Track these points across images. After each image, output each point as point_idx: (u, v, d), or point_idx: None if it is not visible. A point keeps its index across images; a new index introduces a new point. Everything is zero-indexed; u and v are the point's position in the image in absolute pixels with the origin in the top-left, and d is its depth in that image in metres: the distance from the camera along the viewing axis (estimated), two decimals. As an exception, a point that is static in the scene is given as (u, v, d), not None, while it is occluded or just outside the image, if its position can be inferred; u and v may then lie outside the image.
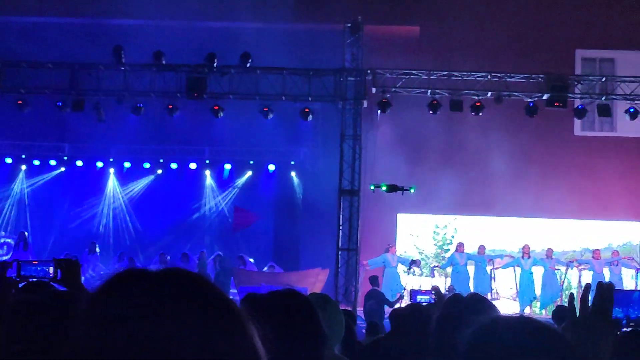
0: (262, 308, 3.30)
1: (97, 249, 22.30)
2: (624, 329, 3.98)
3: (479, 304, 3.89)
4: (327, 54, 21.38)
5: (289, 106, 20.85)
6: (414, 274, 20.67)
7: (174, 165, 24.44)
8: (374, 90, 20.14)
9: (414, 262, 20.61)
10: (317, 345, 3.99)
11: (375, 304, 17.03)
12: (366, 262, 20.76)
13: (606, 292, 2.31)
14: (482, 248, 21.05)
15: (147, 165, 24.49)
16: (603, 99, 20.19)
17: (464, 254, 20.98)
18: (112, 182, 24.82)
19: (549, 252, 21.05)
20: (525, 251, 20.82)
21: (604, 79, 20.46)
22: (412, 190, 20.12)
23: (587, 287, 2.39)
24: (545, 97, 19.74)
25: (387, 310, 16.61)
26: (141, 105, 20.41)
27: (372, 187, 20.06)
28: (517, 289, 21.00)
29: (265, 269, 22.14)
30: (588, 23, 23.42)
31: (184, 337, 1.32)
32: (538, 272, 20.87)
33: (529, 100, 19.91)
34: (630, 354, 3.99)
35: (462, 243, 21.06)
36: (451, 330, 3.53)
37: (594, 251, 20.83)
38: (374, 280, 18.54)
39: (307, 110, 20.33)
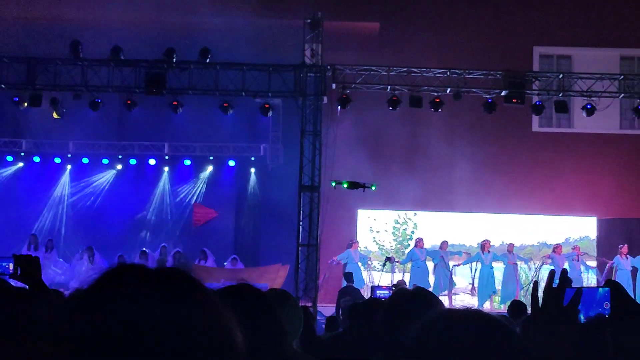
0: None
1: (47, 246, 22.09)
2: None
3: (423, 298, 3.91)
4: (287, 49, 21.35)
5: (249, 102, 20.81)
6: (386, 272, 20.74)
7: (132, 161, 24.25)
8: (334, 86, 20.16)
9: (388, 259, 20.71)
10: (276, 340, 4.00)
11: (351, 301, 17.05)
12: (336, 258, 20.85)
13: (562, 283, 2.32)
14: (444, 243, 21.19)
15: (105, 161, 24.27)
16: (560, 95, 20.39)
17: (424, 249, 21.11)
18: (65, 178, 24.55)
19: (510, 247, 21.26)
20: (486, 246, 21.00)
21: (561, 76, 20.66)
22: (373, 188, 20.18)
23: (551, 274, 2.40)
24: (503, 93, 19.88)
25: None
26: (99, 100, 20.24)
27: (333, 184, 20.09)
28: (475, 283, 21.16)
29: (226, 263, 22.11)
30: (546, 20, 23.66)
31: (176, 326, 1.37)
32: (499, 267, 21.06)
33: (488, 96, 20.04)
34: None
35: (422, 238, 21.20)
36: (396, 324, 3.55)
37: (555, 246, 21.04)
38: (348, 276, 18.63)
39: (267, 106, 20.31)
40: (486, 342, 1.94)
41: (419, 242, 21.15)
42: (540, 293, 2.32)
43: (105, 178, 24.58)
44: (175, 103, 19.95)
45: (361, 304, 6.54)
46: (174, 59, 19.64)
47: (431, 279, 20.73)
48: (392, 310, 4.12)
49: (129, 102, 20.11)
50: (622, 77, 20.68)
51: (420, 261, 20.91)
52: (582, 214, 22.43)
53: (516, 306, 10.39)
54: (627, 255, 20.27)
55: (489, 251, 21.01)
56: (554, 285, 2.32)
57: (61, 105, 20.70)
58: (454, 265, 21.16)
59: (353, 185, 20.18)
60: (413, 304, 3.91)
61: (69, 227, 24.12)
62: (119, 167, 24.44)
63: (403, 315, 3.66)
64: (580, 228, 22.34)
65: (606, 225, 22.31)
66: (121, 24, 21.38)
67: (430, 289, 20.18)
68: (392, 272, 21.10)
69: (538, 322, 2.29)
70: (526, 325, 9.17)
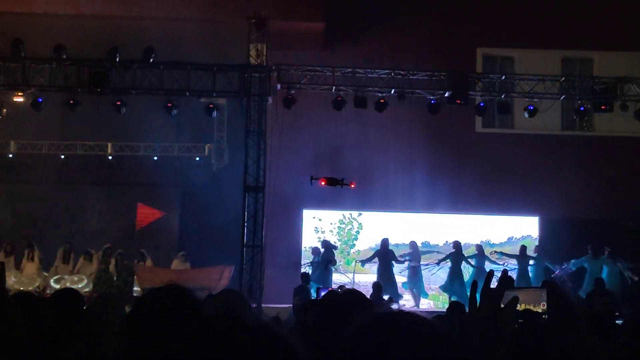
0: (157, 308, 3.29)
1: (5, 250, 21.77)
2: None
3: (353, 301, 3.93)
4: (232, 49, 21.29)
5: (194, 102, 20.70)
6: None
7: (75, 162, 23.97)
8: (279, 86, 20.14)
9: (329, 262, 20.78)
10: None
11: (301, 300, 17.13)
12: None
13: (501, 284, 2.34)
14: (413, 244, 21.33)
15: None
16: (503, 96, 20.61)
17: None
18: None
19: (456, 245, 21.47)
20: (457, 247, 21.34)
21: (503, 77, 20.89)
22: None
23: (489, 275, 2.42)
24: (447, 94, 20.04)
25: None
26: (41, 100, 19.95)
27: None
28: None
29: (176, 261, 21.95)
30: (489, 21, 23.91)
31: None
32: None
33: (432, 97, 20.18)
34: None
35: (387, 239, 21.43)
36: (325, 326, 3.57)
37: (520, 247, 21.34)
38: (304, 276, 18.70)
39: (211, 106, 20.20)
40: (416, 343, 1.95)
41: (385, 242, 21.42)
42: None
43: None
44: (119, 103, 19.74)
45: (301, 304, 6.55)
46: (118, 58, 19.46)
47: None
48: (322, 312, 4.14)
49: (71, 101, 19.84)
50: (563, 78, 20.99)
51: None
52: (524, 214, 22.70)
53: (455, 306, 10.47)
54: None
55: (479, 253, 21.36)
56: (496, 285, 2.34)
57: (2, 105, 20.36)
58: (427, 264, 21.43)
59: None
60: (342, 306, 3.93)
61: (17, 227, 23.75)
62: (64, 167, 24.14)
63: (333, 317, 3.68)
64: (523, 228, 22.61)
65: (548, 225, 22.62)
66: (64, 22, 21.12)
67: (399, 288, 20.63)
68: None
69: (475, 322, 2.30)
70: (463, 325, 9.27)
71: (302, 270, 20.41)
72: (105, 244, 21.46)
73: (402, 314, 2.08)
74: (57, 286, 19.94)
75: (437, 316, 7.96)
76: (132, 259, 21.14)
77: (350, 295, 4.13)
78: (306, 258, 22.25)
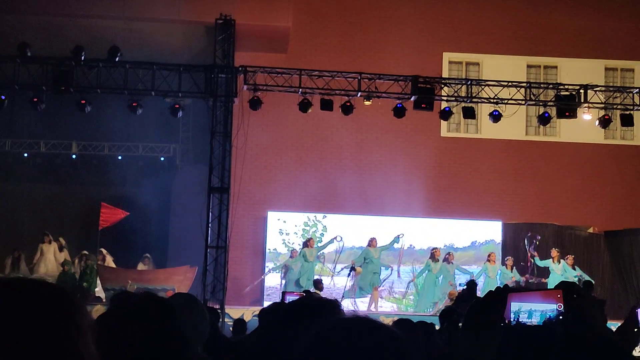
0: (126, 311, 3.28)
1: None
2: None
3: (320, 306, 3.94)
4: (198, 50, 21.24)
5: (159, 102, 20.60)
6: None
7: (39, 160, 23.79)
8: (245, 87, 20.10)
9: (353, 268, 20.89)
10: (177, 349, 3.97)
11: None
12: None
13: (470, 292, 2.36)
14: (373, 240, 21.45)
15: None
16: (468, 101, 20.72)
17: (378, 248, 21.49)
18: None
19: (436, 252, 21.62)
20: (435, 254, 21.41)
21: (469, 83, 21.00)
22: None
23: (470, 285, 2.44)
24: (412, 99, 20.10)
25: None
26: (4, 97, 19.72)
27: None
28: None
29: (141, 263, 21.89)
30: (455, 27, 24.04)
31: None
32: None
33: (398, 101, 20.23)
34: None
35: (374, 238, 21.52)
36: (289, 332, 3.57)
37: (489, 254, 21.56)
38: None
39: (177, 106, 20.09)
40: (372, 349, 1.96)
41: (372, 241, 21.47)
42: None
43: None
44: (83, 102, 19.57)
45: (268, 308, 6.54)
46: (83, 57, 19.30)
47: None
48: (288, 316, 4.14)
49: (35, 99, 19.64)
50: (528, 85, 21.15)
51: (375, 259, 21.45)
52: (487, 218, 22.85)
53: (445, 313, 10.53)
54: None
55: (438, 259, 21.40)
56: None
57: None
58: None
59: None
60: (308, 311, 3.93)
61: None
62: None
63: (295, 322, 3.68)
64: (486, 232, 22.74)
65: (511, 230, 22.79)
66: (29, 20, 20.93)
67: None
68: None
69: (463, 329, 2.33)
70: (451, 331, 9.30)
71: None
72: (82, 251, 21.44)
73: (360, 319, 2.09)
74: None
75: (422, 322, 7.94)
76: (94, 259, 21.03)
77: (316, 301, 4.13)
78: (270, 260, 22.24)
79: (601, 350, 2.09)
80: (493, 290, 2.45)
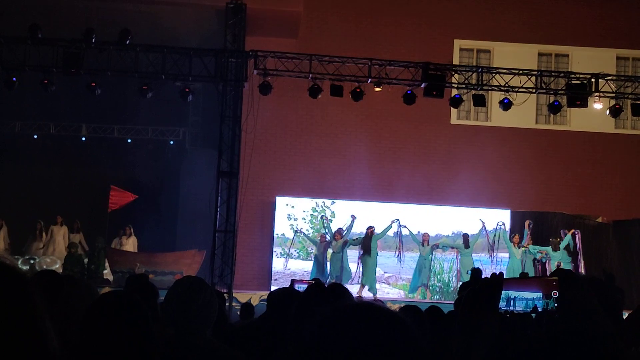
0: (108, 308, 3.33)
1: None
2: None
3: (334, 292, 3.95)
4: (208, 34, 21.21)
5: (169, 85, 20.59)
6: None
7: (49, 142, 23.83)
8: (255, 72, 20.08)
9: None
10: (188, 329, 4.00)
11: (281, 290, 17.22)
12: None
13: (474, 279, 2.35)
14: (370, 229, 21.44)
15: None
16: (478, 89, 20.66)
17: (375, 236, 21.54)
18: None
19: (425, 236, 21.63)
20: (425, 238, 21.44)
21: (480, 70, 20.94)
22: None
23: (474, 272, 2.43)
24: (423, 86, 20.06)
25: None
26: (14, 79, 19.74)
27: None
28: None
29: (124, 237, 21.91)
30: (466, 13, 23.95)
31: None
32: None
33: (408, 88, 20.19)
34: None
35: (372, 227, 21.50)
36: (306, 317, 3.59)
37: (514, 236, 21.59)
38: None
39: (187, 90, 20.08)
40: (377, 335, 1.96)
41: (369, 230, 21.48)
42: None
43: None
44: (94, 84, 19.58)
45: (276, 293, 6.53)
46: (93, 40, 19.29)
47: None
48: (305, 302, 4.16)
49: (45, 81, 19.66)
50: (539, 73, 21.07)
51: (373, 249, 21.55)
52: (496, 206, 22.82)
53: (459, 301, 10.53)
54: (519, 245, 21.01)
55: (428, 243, 21.45)
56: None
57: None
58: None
59: None
60: (324, 297, 3.95)
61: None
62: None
63: (312, 307, 3.70)
64: (495, 219, 22.70)
65: (520, 218, 22.75)
66: (40, 1, 20.92)
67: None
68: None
69: (460, 317, 2.33)
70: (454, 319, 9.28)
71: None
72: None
73: (365, 305, 2.09)
74: (26, 267, 19.84)
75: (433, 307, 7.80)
76: (107, 240, 21.18)
77: (323, 286, 4.15)
78: (278, 245, 22.27)
79: (586, 345, 2.08)
80: (489, 277, 2.44)
